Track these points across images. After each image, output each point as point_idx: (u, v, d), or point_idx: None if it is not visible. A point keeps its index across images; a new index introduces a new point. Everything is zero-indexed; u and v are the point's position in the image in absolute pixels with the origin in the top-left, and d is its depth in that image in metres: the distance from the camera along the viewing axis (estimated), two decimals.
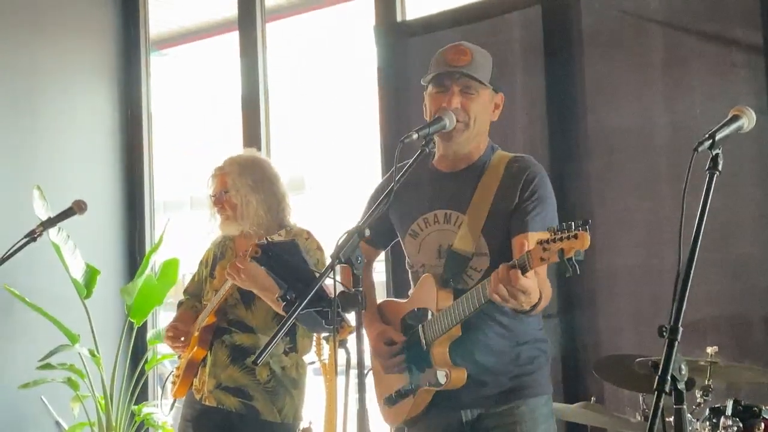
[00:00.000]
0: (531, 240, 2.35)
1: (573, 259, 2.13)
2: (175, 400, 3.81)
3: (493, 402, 2.64)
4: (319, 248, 3.56)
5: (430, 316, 2.64)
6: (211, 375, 3.55)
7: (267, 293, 3.42)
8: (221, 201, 3.60)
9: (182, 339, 3.65)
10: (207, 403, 3.55)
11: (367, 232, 2.37)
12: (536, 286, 2.33)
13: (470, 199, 2.66)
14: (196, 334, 3.60)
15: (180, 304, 3.86)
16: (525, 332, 2.69)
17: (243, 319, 3.55)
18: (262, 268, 3.34)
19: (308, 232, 3.58)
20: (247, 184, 3.57)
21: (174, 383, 3.71)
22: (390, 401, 2.78)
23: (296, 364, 3.58)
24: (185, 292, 3.88)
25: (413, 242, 2.77)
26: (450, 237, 2.67)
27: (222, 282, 3.54)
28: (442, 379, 2.60)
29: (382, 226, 2.88)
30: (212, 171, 3.69)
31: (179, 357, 3.75)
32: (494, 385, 2.64)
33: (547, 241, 2.18)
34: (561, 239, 2.15)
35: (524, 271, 2.26)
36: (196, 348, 3.59)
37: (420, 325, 2.67)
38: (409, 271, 2.84)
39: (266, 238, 3.21)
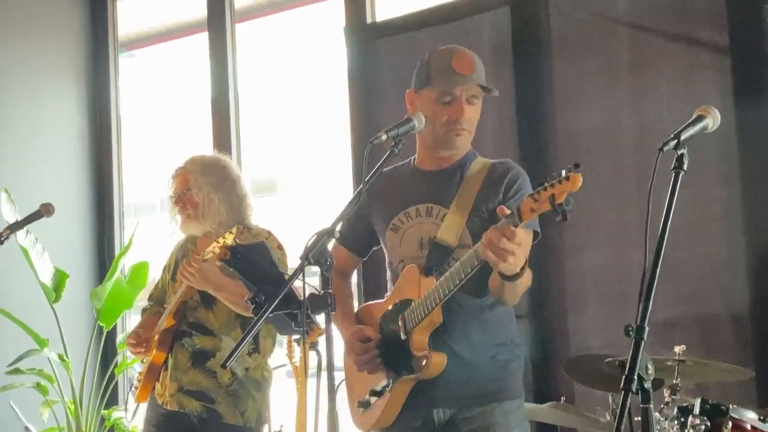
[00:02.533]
0: (518, 233, 2.35)
1: (563, 205, 2.13)
2: (137, 405, 3.77)
3: (467, 403, 2.63)
4: (280, 247, 3.54)
5: (412, 305, 2.63)
6: (173, 379, 3.52)
7: (222, 293, 3.41)
8: (183, 200, 3.57)
9: (144, 345, 3.61)
10: (169, 408, 3.52)
11: (337, 233, 2.37)
12: (528, 243, 2.39)
13: (454, 194, 2.68)
14: (156, 337, 3.57)
15: (144, 310, 3.83)
16: (501, 334, 2.69)
17: (203, 322, 3.52)
18: (215, 267, 3.32)
19: (269, 232, 3.56)
20: (209, 182, 3.55)
21: (136, 388, 3.67)
22: (364, 404, 2.76)
23: (261, 366, 3.55)
24: (150, 298, 3.85)
25: (394, 236, 2.77)
26: (432, 229, 2.68)
27: (184, 285, 3.52)
28: (421, 363, 2.57)
29: (361, 233, 2.90)
30: (173, 171, 3.66)
31: (142, 362, 3.71)
32: (470, 383, 2.63)
33: (538, 192, 2.18)
34: (552, 185, 2.14)
35: (514, 225, 2.27)
36: (155, 351, 3.55)
37: (400, 316, 2.66)
38: (389, 270, 2.83)
39: (234, 240, 3.19)
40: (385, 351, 2.71)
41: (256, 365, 3.54)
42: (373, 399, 2.74)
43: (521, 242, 2.30)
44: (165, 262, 3.81)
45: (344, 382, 2.86)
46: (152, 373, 3.58)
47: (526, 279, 2.49)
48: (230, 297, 3.40)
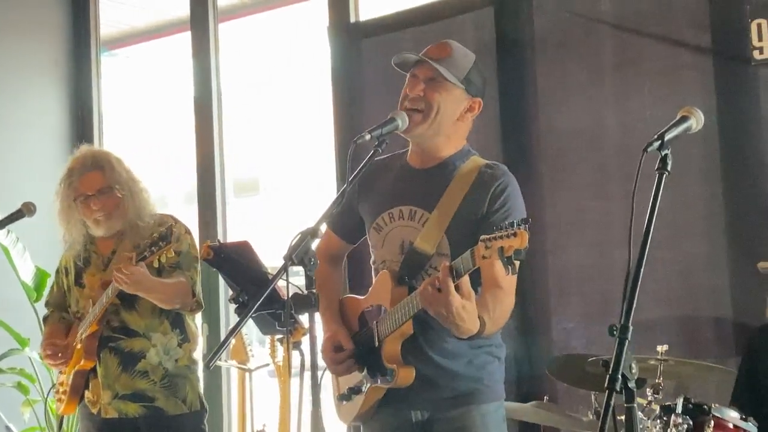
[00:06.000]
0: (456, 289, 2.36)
1: (512, 258, 2.14)
2: (62, 418, 3.73)
3: (444, 406, 2.63)
4: (188, 232, 3.54)
5: (383, 313, 2.63)
6: (105, 386, 3.46)
7: (153, 294, 3.38)
8: (103, 199, 3.46)
9: (62, 354, 3.53)
10: (107, 416, 3.48)
11: (321, 233, 2.36)
12: (471, 311, 2.34)
13: (438, 199, 2.62)
14: (79, 345, 3.48)
15: (45, 318, 3.77)
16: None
17: (128, 324, 3.48)
18: (146, 270, 3.27)
19: (173, 218, 3.55)
20: (125, 174, 3.52)
21: (60, 401, 3.58)
22: (343, 398, 2.77)
23: (189, 353, 3.55)
24: (47, 304, 3.77)
25: (377, 236, 2.75)
26: (413, 234, 2.63)
27: (98, 289, 3.43)
28: (390, 377, 2.58)
29: (349, 219, 2.85)
30: (75, 172, 3.50)
31: (61, 372, 3.62)
32: (446, 387, 2.62)
33: (489, 239, 2.18)
34: (501, 237, 2.15)
35: (458, 276, 2.28)
36: (83, 360, 3.46)
37: (374, 322, 2.66)
38: (372, 267, 2.80)
39: (217, 240, 3.19)
40: (362, 350, 2.69)
41: (185, 353, 3.53)
42: (351, 395, 2.74)
43: (464, 305, 2.30)
44: (58, 265, 3.72)
45: (328, 375, 2.84)
46: (79, 382, 3.50)
47: (493, 325, 2.48)
48: (162, 297, 3.38)
